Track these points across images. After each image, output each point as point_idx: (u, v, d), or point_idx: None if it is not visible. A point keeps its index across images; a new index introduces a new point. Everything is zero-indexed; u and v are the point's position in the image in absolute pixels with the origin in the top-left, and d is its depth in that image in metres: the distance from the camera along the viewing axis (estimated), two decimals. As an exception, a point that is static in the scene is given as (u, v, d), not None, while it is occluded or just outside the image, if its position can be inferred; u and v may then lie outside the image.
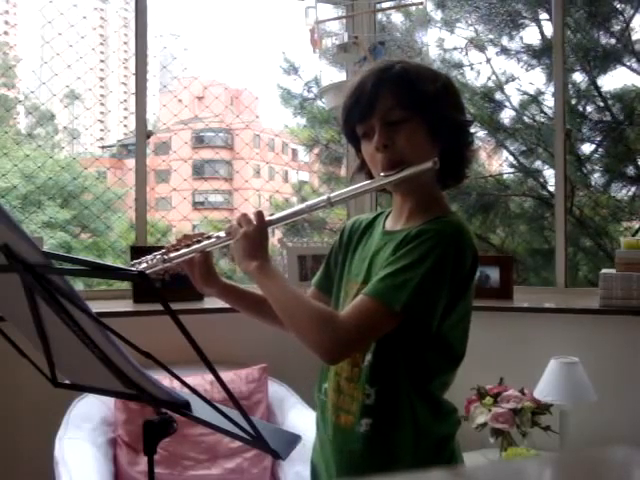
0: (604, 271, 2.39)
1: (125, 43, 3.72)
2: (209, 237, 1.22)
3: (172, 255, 1.22)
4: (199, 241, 1.23)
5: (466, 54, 4.07)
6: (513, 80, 4.05)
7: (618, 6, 3.81)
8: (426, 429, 1.13)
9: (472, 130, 1.21)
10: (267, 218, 1.17)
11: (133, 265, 1.28)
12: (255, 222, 1.15)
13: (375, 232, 1.24)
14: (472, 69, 4.10)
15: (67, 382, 1.12)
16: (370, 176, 1.18)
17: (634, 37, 3.80)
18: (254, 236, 1.14)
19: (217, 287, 1.27)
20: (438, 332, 1.10)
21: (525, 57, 3.97)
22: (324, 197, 1.16)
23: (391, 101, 1.12)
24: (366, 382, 1.13)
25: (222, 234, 1.20)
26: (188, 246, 1.22)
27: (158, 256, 1.23)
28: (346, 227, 1.33)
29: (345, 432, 1.15)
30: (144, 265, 1.25)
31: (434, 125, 1.12)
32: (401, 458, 1.13)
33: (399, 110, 1.11)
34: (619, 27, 3.83)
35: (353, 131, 1.18)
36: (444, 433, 1.17)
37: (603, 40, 3.84)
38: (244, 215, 1.17)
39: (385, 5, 3.06)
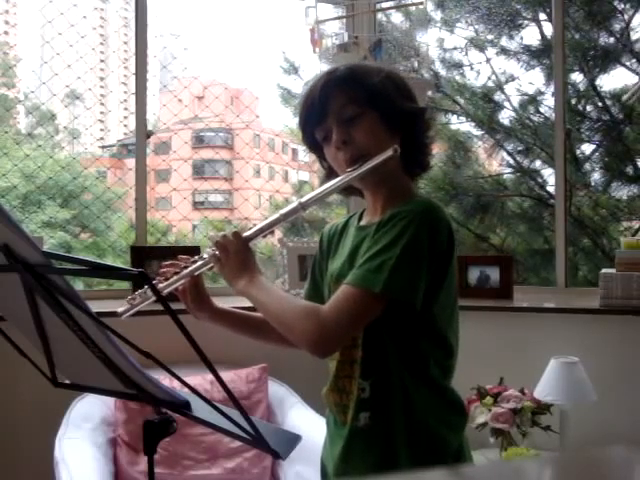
0: (604, 271, 2.39)
1: (125, 43, 3.73)
2: (194, 261, 1.20)
3: (161, 286, 1.18)
4: (186, 267, 1.20)
5: (466, 54, 4.07)
6: (513, 80, 4.05)
7: (618, 6, 3.81)
8: (426, 416, 1.12)
9: (428, 117, 1.21)
10: (244, 234, 1.16)
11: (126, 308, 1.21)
12: (232, 246, 1.14)
13: (350, 231, 1.26)
14: (472, 69, 4.10)
15: (67, 382, 1.13)
16: None
17: (633, 37, 3.80)
18: (233, 260, 1.14)
19: (209, 312, 1.26)
20: (426, 316, 1.10)
21: (525, 57, 3.96)
22: (296, 203, 1.17)
23: (342, 99, 1.14)
24: (360, 377, 1.14)
25: (206, 255, 1.18)
26: (176, 273, 1.19)
27: (149, 292, 1.16)
28: (323, 234, 1.34)
29: (348, 428, 1.16)
30: (138, 300, 1.18)
31: (387, 116, 1.14)
32: (401, 448, 1.12)
33: (351, 106, 1.14)
34: (619, 27, 3.84)
35: (314, 140, 1.20)
36: (450, 421, 1.15)
37: (602, 40, 3.84)
38: (217, 242, 1.15)
39: (385, 5, 3.05)
